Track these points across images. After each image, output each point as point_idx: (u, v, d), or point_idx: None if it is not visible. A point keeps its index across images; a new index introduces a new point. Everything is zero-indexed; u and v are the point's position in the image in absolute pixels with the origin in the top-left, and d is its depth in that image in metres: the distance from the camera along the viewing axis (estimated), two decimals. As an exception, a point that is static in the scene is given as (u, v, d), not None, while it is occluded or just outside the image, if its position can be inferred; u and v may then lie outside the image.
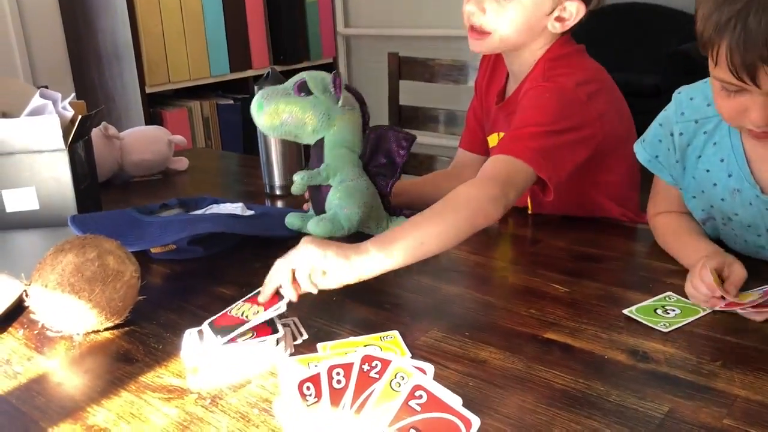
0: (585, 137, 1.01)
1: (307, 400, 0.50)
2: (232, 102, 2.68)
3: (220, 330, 0.72)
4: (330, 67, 3.04)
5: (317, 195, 1.03)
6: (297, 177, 0.99)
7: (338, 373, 0.52)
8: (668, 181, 0.98)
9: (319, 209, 1.03)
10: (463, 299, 0.89)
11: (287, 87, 1.00)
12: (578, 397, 0.65)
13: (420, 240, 0.82)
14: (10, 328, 0.82)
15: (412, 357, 0.72)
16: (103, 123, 1.44)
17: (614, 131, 1.06)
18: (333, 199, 1.00)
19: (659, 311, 0.80)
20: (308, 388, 0.51)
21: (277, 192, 1.32)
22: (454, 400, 0.50)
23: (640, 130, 1.04)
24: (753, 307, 0.77)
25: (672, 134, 0.95)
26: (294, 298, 0.76)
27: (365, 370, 0.52)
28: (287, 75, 1.12)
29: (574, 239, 1.04)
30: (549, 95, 1.01)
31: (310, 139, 1.02)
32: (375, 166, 1.03)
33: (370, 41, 3.15)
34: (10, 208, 1.13)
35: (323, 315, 0.83)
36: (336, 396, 0.50)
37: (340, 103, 1.00)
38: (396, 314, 0.83)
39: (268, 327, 0.75)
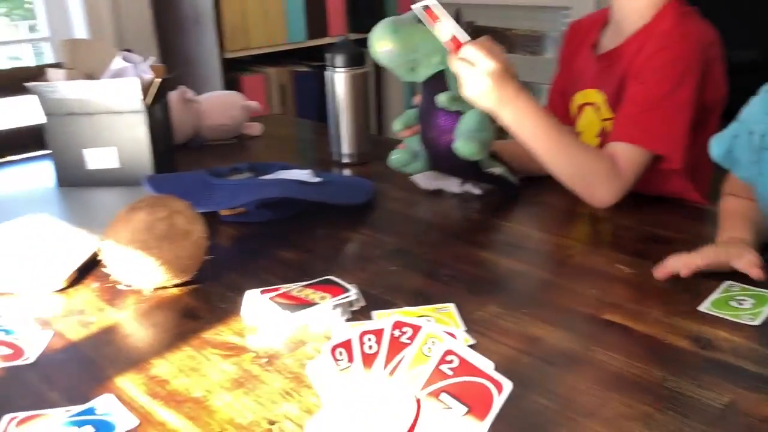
0: (696, 102, 1.02)
1: (339, 365, 0.51)
2: (308, 69, 2.70)
3: (286, 306, 0.74)
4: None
5: (444, 120, 1.03)
6: (444, 96, 1.01)
7: (369, 339, 0.52)
8: (741, 177, 0.93)
9: (440, 139, 1.04)
10: (523, 276, 0.88)
11: (412, 18, 1.01)
12: (633, 381, 0.63)
13: (548, 148, 0.98)
14: (85, 280, 0.86)
15: (466, 331, 0.72)
16: (182, 87, 1.48)
17: (714, 102, 1.04)
18: (472, 123, 1.01)
19: (733, 303, 0.76)
20: (341, 353, 0.52)
21: (346, 160, 1.33)
22: (486, 364, 0.50)
23: (734, 108, 0.99)
24: None
25: (752, 133, 0.89)
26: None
27: (396, 335, 0.52)
28: (363, 43, 1.12)
29: (643, 219, 1.00)
30: (680, 66, 1.01)
31: (427, 71, 1.03)
32: None
33: (446, 10, 3.10)
34: (91, 166, 1.19)
35: (381, 284, 0.84)
36: (368, 360, 0.51)
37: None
38: (454, 287, 0.83)
39: (339, 288, 0.78)
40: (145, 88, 1.16)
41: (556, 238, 1.00)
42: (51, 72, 1.20)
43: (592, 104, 1.14)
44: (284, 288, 0.78)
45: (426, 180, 1.15)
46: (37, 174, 1.31)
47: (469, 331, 0.72)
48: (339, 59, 1.27)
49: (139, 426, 0.58)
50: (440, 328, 0.52)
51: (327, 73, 1.30)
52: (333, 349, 0.52)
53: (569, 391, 0.62)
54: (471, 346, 0.69)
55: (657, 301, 0.78)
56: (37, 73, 1.22)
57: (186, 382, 0.65)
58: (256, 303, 0.76)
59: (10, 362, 0.68)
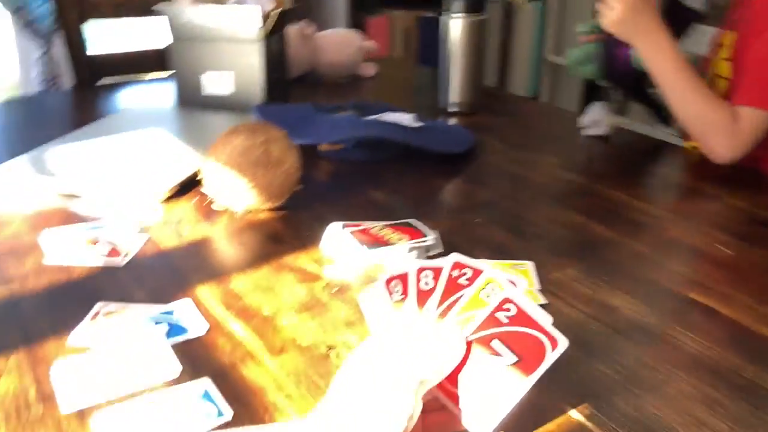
0: None
1: (393, 297, 0.51)
2: (435, 15, 2.67)
3: (363, 242, 0.75)
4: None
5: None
6: None
7: (427, 275, 0.52)
8: None
9: (619, 49, 1.13)
10: (612, 244, 0.84)
11: None
12: (706, 364, 0.60)
13: (675, 87, 1.01)
14: (186, 195, 0.91)
15: (539, 290, 0.71)
16: (304, 21, 1.50)
17: None
18: None
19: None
20: (395, 285, 0.52)
21: (453, 109, 1.32)
22: (544, 318, 0.49)
23: None
24: None
25: None
26: None
27: (455, 276, 0.51)
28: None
29: (757, 201, 0.93)
30: None
31: None
32: None
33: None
34: (207, 90, 1.24)
35: (463, 234, 0.83)
36: (422, 297, 0.51)
37: None
38: (535, 245, 0.81)
39: (419, 232, 0.78)
40: (265, 18, 1.19)
41: (657, 210, 0.95)
42: (180, -4, 1.25)
43: (721, 46, 1.11)
44: (365, 225, 0.80)
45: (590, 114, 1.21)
46: (162, 93, 1.39)
47: (543, 291, 0.71)
48: (456, 4, 1.25)
49: (208, 332, 0.62)
50: (503, 275, 0.51)
51: (443, 18, 1.28)
52: (388, 281, 0.52)
53: (634, 363, 0.60)
54: (540, 306, 0.67)
55: (751, 286, 0.73)
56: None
57: (259, 299, 0.68)
58: (336, 235, 0.78)
59: (108, 259, 0.74)
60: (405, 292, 0.51)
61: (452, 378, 0.49)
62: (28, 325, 0.63)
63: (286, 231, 0.83)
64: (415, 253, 0.75)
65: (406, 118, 1.13)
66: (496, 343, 0.49)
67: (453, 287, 0.51)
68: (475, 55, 1.29)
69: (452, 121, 1.30)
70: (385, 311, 0.51)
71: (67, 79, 1.55)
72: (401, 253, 0.75)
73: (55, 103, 1.45)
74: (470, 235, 0.83)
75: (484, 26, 1.29)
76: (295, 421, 0.46)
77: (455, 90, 1.30)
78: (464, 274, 0.51)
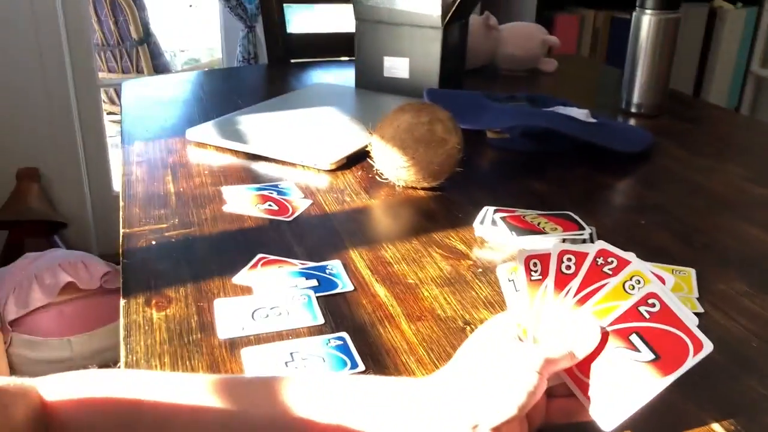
0: None
1: (531, 276, 0.50)
2: (628, 17, 2.54)
3: (514, 228, 0.75)
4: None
5: None
6: None
7: (569, 259, 0.50)
8: None
9: None
10: (794, 263, 0.77)
11: None
12: None
13: None
14: (352, 168, 0.96)
15: (697, 298, 0.66)
16: (487, 13, 1.51)
17: None
18: None
19: None
20: (535, 265, 0.51)
21: (632, 110, 1.26)
22: (690, 319, 0.46)
23: None
24: None
25: None
26: None
27: (599, 263, 0.49)
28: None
29: None
30: None
31: None
32: None
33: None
34: (386, 73, 1.28)
35: (623, 233, 0.80)
36: (562, 280, 0.50)
37: None
38: (702, 253, 0.76)
39: (575, 225, 0.77)
40: (446, 6, 1.21)
41: None
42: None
43: None
44: (520, 212, 0.79)
45: None
46: (347, 74, 1.46)
47: (702, 300, 0.66)
48: (650, 0, 1.19)
49: (353, 291, 0.65)
50: (650, 269, 0.49)
51: (635, 14, 1.23)
52: (528, 259, 0.52)
53: (796, 389, 0.55)
54: (696, 314, 0.63)
55: None
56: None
57: (405, 268, 0.70)
58: (488, 219, 0.78)
59: (275, 216, 0.80)
60: (544, 273, 0.51)
61: (584, 366, 0.48)
62: (199, 264, 0.70)
63: (441, 210, 0.85)
64: (567, 245, 0.73)
65: (579, 113, 1.10)
66: (634, 338, 0.47)
67: (596, 275, 0.49)
68: (665, 55, 1.22)
69: (632, 121, 1.24)
70: (521, 288, 0.50)
71: (264, 58, 1.67)
72: (552, 244, 0.73)
73: (250, 76, 1.58)
74: (630, 236, 0.80)
75: (678, 25, 1.21)
76: (417, 378, 0.47)
77: (639, 90, 1.24)
78: (609, 263, 0.49)
